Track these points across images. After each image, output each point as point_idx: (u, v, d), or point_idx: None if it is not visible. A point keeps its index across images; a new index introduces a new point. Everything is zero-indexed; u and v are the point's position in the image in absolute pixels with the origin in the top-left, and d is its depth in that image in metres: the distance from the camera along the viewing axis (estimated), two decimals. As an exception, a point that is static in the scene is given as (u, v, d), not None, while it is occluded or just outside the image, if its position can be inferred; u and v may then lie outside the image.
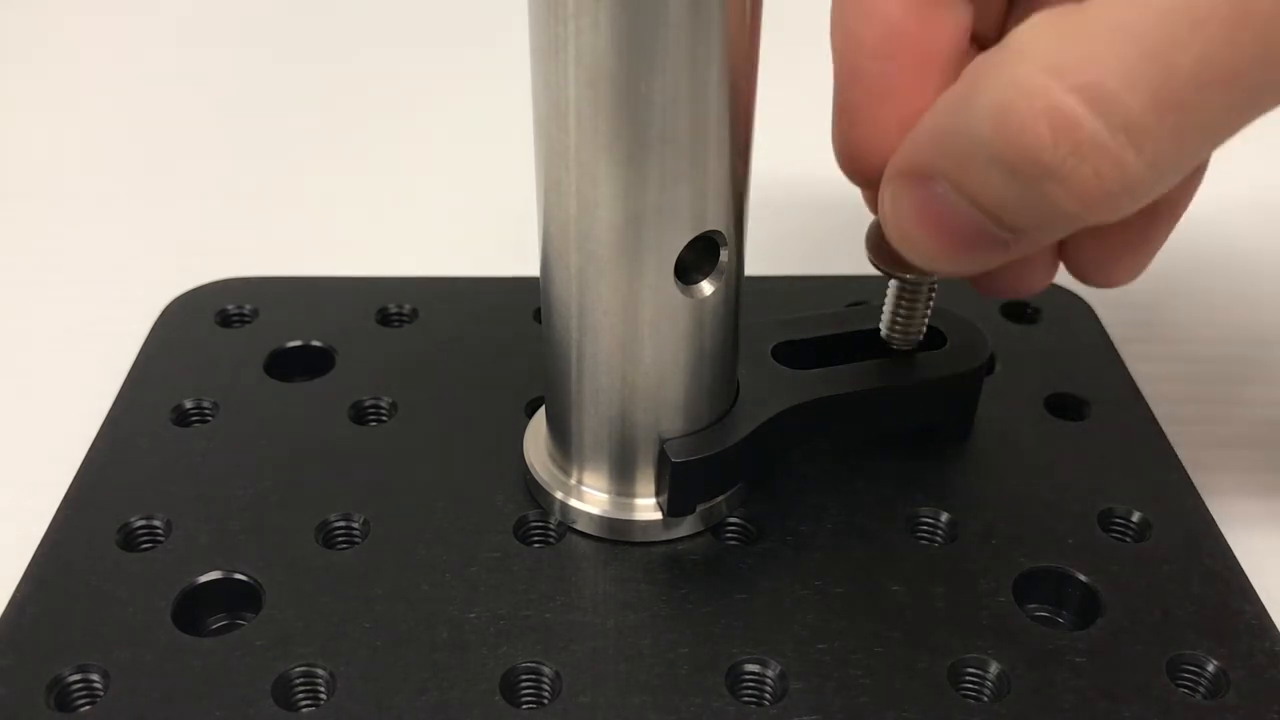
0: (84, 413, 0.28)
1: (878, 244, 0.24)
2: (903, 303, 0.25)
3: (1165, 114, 0.17)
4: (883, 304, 0.26)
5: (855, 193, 0.24)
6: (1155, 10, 0.17)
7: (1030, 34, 0.18)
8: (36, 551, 0.24)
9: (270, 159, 0.43)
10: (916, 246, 0.22)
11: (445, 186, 0.41)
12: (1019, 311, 0.32)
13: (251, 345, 0.30)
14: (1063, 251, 0.24)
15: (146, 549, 0.24)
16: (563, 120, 0.20)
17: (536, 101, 0.21)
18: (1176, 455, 0.27)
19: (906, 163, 0.21)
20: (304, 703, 0.21)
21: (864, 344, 0.26)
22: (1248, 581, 0.24)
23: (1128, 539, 0.25)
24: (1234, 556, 0.24)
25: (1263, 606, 0.23)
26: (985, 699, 0.22)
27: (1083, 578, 0.24)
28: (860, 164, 0.23)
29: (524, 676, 0.22)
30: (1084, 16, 0.18)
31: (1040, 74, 0.18)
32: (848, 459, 0.26)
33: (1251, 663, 0.22)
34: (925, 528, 0.25)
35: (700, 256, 0.22)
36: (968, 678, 0.22)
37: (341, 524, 0.25)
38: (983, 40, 0.23)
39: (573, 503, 0.25)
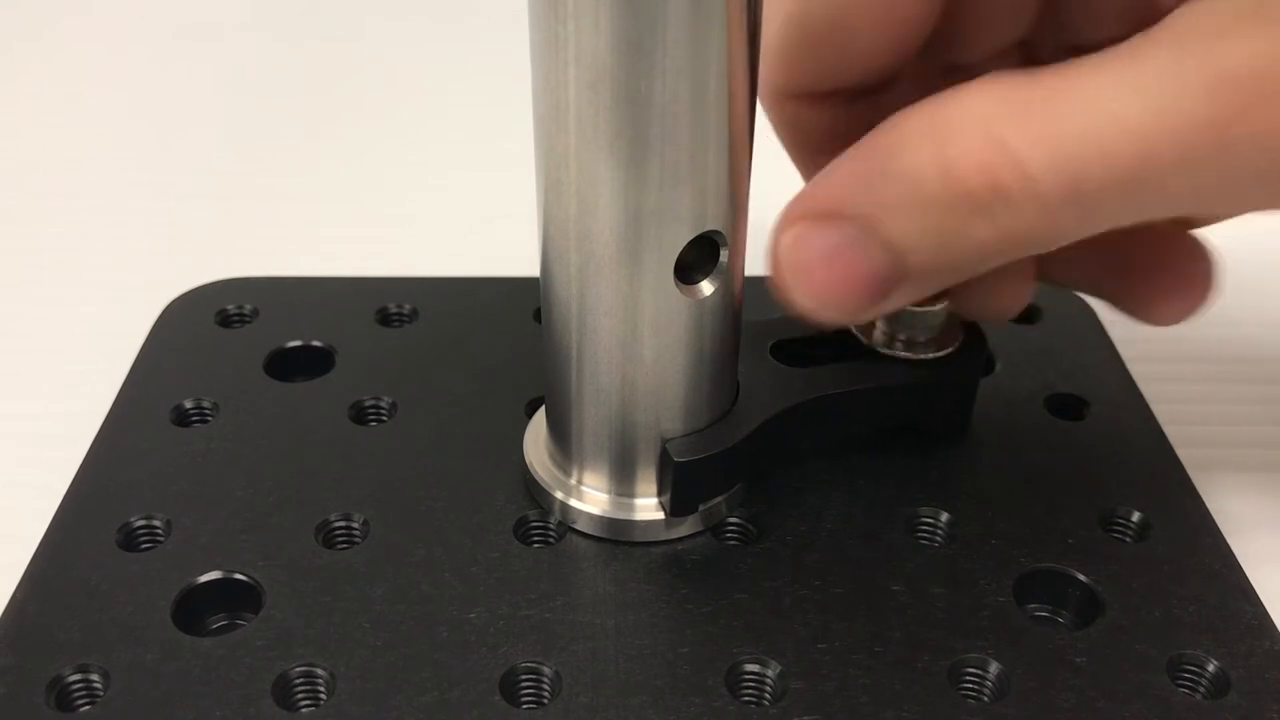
0: (84, 413, 0.28)
1: None
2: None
3: (1075, 205, 0.19)
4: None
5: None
6: (1076, 128, 0.19)
7: (977, 95, 0.20)
8: (36, 551, 0.24)
9: (270, 159, 0.43)
10: (811, 289, 0.22)
11: (445, 186, 0.41)
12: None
13: (251, 345, 0.30)
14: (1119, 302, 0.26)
15: (146, 549, 0.24)
16: (563, 120, 0.20)
17: (536, 101, 0.21)
18: (1176, 455, 0.27)
19: (819, 205, 0.22)
20: (304, 703, 0.21)
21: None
22: (1248, 581, 0.24)
23: (1128, 539, 0.25)
24: (1234, 556, 0.24)
25: (1263, 606, 0.23)
26: (985, 699, 0.22)
27: (1083, 578, 0.24)
28: None
29: (524, 676, 0.22)
30: (1025, 97, 0.20)
31: (979, 135, 0.20)
32: (848, 459, 0.26)
33: (1251, 663, 0.22)
34: (925, 528, 0.25)
35: (700, 256, 0.22)
36: (968, 678, 0.22)
37: (341, 524, 0.25)
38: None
39: (573, 503, 0.25)
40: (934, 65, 0.25)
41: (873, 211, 0.21)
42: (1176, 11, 0.19)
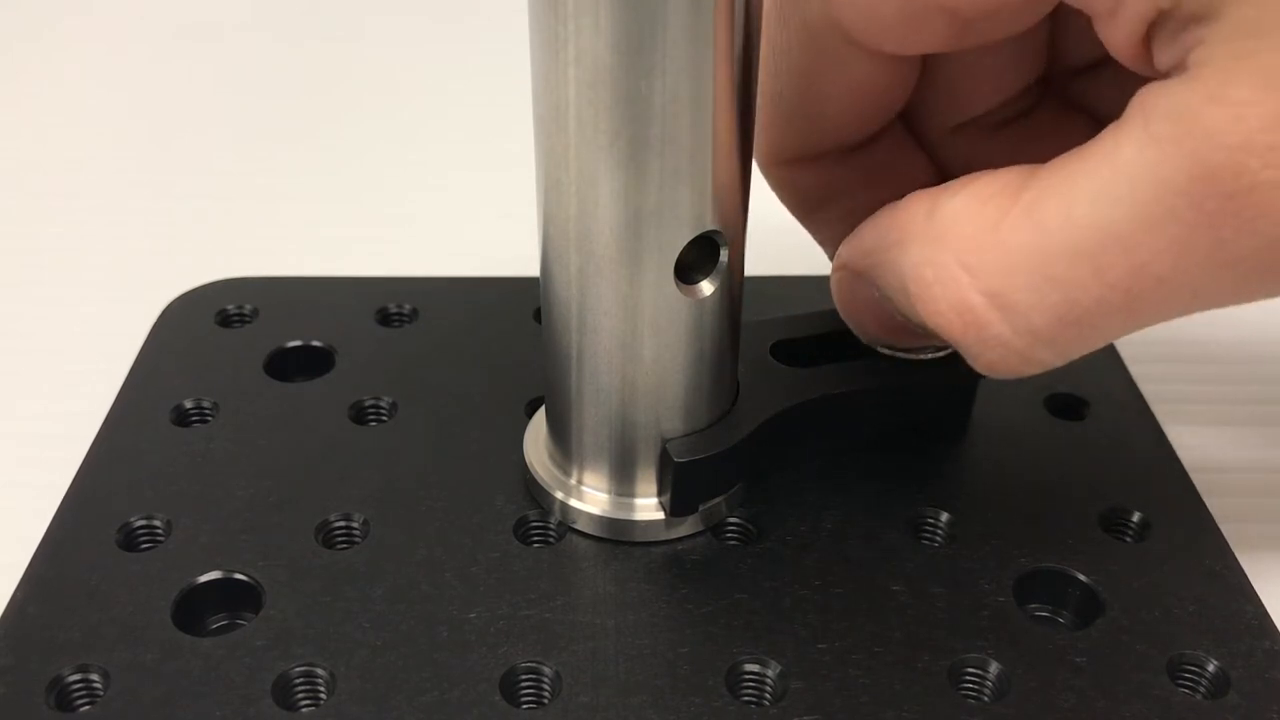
0: (84, 413, 0.28)
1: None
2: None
3: (1068, 328, 0.18)
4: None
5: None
6: (1064, 249, 0.18)
7: (954, 220, 0.19)
8: (36, 551, 0.24)
9: (270, 159, 0.43)
10: (854, 324, 0.25)
11: (445, 186, 0.41)
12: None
13: (251, 345, 0.30)
14: None
15: (146, 549, 0.24)
16: (562, 120, 0.20)
17: (536, 101, 0.21)
18: (1176, 455, 0.27)
19: (851, 262, 0.23)
20: (304, 703, 0.21)
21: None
22: (1248, 581, 0.24)
23: (1128, 539, 0.25)
24: (1234, 556, 0.24)
25: (1263, 606, 0.23)
26: (985, 699, 0.22)
27: (1083, 578, 0.24)
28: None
29: (524, 676, 0.22)
30: (1003, 225, 0.19)
31: (954, 266, 0.19)
32: (848, 459, 0.26)
33: (1251, 663, 0.22)
34: (925, 528, 0.25)
35: (700, 256, 0.22)
36: (968, 678, 0.22)
37: (341, 524, 0.25)
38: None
39: (573, 503, 0.25)
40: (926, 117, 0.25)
41: (883, 288, 0.22)
42: (1140, 92, 0.18)
